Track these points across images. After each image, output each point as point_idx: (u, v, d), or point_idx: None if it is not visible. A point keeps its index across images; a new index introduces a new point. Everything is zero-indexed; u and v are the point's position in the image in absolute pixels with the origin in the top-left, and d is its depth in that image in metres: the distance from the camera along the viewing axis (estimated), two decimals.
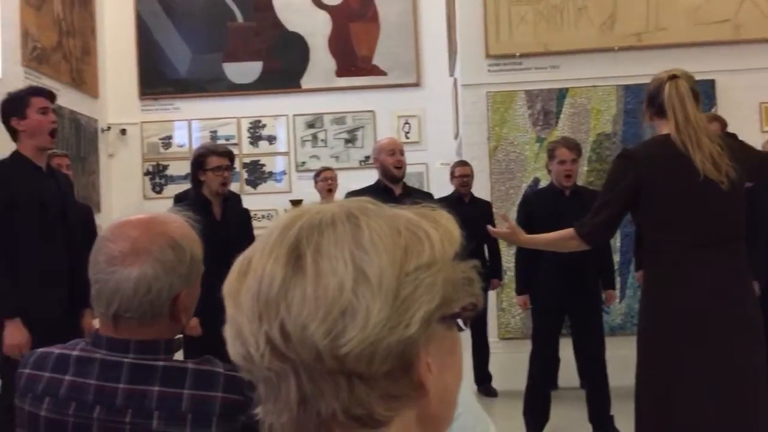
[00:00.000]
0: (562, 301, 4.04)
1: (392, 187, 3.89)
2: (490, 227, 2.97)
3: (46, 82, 6.90)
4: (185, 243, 1.28)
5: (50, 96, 3.35)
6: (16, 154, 3.29)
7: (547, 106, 5.99)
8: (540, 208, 4.10)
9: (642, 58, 5.64)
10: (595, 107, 5.98)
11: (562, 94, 5.98)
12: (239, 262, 0.65)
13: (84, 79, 8.11)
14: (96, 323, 3.43)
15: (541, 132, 5.97)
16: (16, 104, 3.25)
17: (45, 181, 3.30)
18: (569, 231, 2.65)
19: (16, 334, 3.04)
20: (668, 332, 2.46)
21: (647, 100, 2.60)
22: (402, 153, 3.94)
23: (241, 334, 0.62)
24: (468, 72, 6.00)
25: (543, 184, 5.65)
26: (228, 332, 0.64)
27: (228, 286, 0.65)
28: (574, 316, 4.11)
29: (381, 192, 3.79)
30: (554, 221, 3.98)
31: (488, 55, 5.93)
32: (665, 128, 2.52)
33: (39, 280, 3.17)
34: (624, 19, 5.93)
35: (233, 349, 0.63)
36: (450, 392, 0.67)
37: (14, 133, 3.28)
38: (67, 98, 7.25)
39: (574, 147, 4.07)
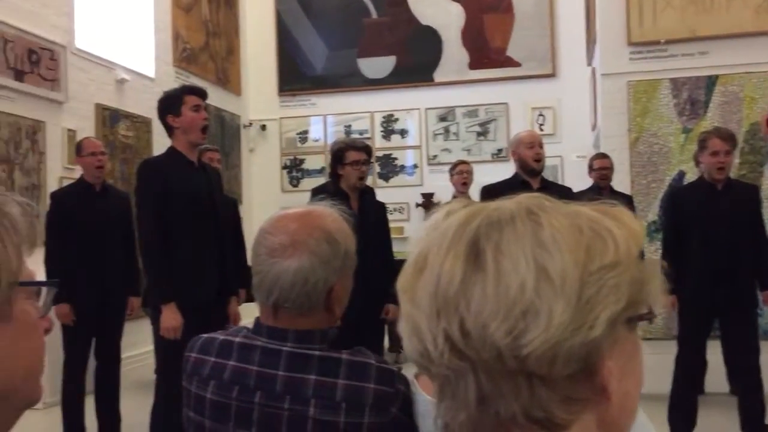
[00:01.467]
0: (712, 301, 3.81)
1: (530, 180, 3.82)
2: None
3: (194, 81, 7.31)
4: (340, 237, 1.31)
5: (203, 94, 3.53)
6: (171, 150, 3.49)
7: (695, 94, 5.66)
8: (689, 202, 3.88)
9: None
10: (749, 95, 5.59)
11: (711, 81, 5.63)
12: (414, 258, 0.65)
13: (228, 77, 8.52)
14: (239, 309, 3.60)
15: (687, 122, 5.65)
16: (172, 102, 3.45)
17: (196, 175, 3.48)
18: None
19: (171, 317, 3.24)
20: None
21: None
22: (541, 146, 3.87)
23: (419, 330, 0.62)
24: (608, 61, 5.77)
25: (689, 177, 5.35)
26: (404, 329, 0.64)
27: (403, 282, 0.65)
28: (725, 318, 3.86)
29: (518, 186, 3.72)
30: (705, 217, 3.78)
31: (630, 43, 5.67)
32: None
33: (192, 268, 3.35)
34: None
35: (410, 346, 0.63)
36: (631, 399, 0.64)
37: (169, 130, 3.48)
38: (213, 96, 7.62)
39: (729, 138, 3.81)
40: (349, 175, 3.77)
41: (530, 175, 3.81)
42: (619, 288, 0.59)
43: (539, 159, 3.81)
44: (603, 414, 0.62)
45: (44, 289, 0.75)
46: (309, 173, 8.85)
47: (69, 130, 5.76)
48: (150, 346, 5.71)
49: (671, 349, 4.04)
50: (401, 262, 0.70)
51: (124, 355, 4.52)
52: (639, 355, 0.65)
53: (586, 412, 0.61)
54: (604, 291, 0.58)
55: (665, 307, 4.11)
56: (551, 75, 8.27)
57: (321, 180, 8.11)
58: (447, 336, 0.59)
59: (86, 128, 5.91)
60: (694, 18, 5.63)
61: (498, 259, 0.59)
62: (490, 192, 3.67)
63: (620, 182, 5.50)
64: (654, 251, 5.14)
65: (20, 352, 0.70)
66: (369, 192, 4.13)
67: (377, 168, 8.62)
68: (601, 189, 5.14)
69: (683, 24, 5.64)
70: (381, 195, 4.95)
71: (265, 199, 8.63)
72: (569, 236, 0.60)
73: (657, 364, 4.56)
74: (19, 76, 5.29)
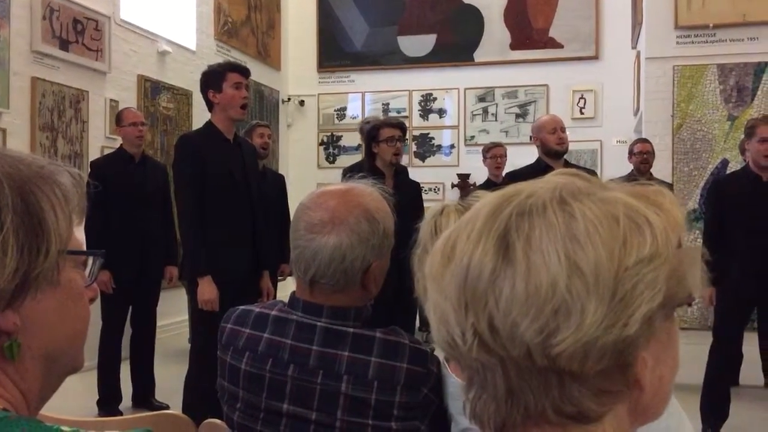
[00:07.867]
0: (751, 293, 3.74)
1: (553, 164, 3.78)
2: None
3: (235, 55, 7.34)
4: (379, 216, 1.31)
5: (245, 72, 3.55)
6: (208, 125, 3.52)
7: (742, 81, 5.53)
8: (733, 192, 3.80)
9: None
10: None
11: (760, 68, 5.48)
12: (442, 244, 0.63)
13: (268, 52, 8.54)
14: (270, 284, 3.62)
15: (733, 110, 5.53)
16: (214, 78, 3.48)
17: (232, 152, 3.50)
18: None
19: (207, 290, 3.29)
20: None
21: None
22: (564, 130, 3.84)
23: (446, 321, 0.60)
24: (654, 44, 5.66)
25: (732, 166, 5.25)
26: (431, 316, 0.63)
27: (431, 269, 0.63)
28: (764, 311, 3.79)
29: (542, 171, 3.66)
30: (748, 207, 3.70)
31: (677, 26, 5.56)
32: None
33: (225, 244, 3.39)
34: None
35: (437, 335, 0.62)
36: (665, 384, 0.62)
37: (210, 104, 3.51)
38: (253, 70, 7.60)
39: None
40: (384, 152, 3.76)
41: (554, 158, 3.78)
42: (656, 283, 0.57)
43: (562, 142, 3.79)
44: (635, 401, 0.61)
45: (90, 259, 0.76)
46: (346, 150, 8.86)
47: (111, 100, 5.84)
48: (184, 316, 5.81)
49: (706, 339, 3.99)
50: None
51: (158, 323, 4.60)
52: (675, 340, 0.63)
53: (619, 403, 0.60)
54: (640, 287, 0.56)
55: (704, 298, 4.02)
56: (594, 57, 8.13)
57: (357, 157, 8.12)
58: (476, 331, 0.58)
59: (128, 99, 5.98)
60: (745, 2, 5.48)
61: (528, 254, 0.57)
62: (514, 178, 3.64)
63: (661, 169, 5.42)
64: (693, 240, 5.06)
65: (66, 318, 0.72)
66: (403, 171, 4.12)
67: (413, 147, 8.59)
68: (641, 174, 5.06)
69: (733, 8, 5.49)
70: (417, 174, 4.94)
71: (301, 175, 8.68)
72: (604, 228, 0.57)
73: (691, 354, 4.49)
74: (64, 45, 5.36)
